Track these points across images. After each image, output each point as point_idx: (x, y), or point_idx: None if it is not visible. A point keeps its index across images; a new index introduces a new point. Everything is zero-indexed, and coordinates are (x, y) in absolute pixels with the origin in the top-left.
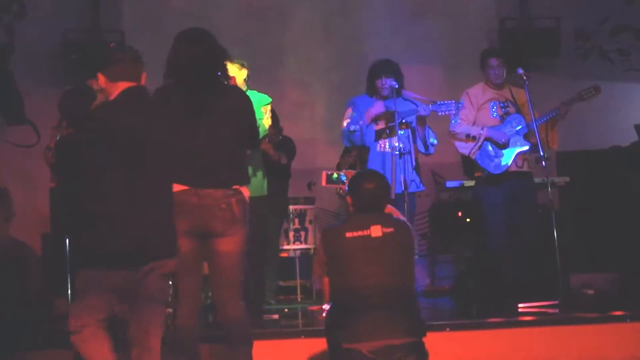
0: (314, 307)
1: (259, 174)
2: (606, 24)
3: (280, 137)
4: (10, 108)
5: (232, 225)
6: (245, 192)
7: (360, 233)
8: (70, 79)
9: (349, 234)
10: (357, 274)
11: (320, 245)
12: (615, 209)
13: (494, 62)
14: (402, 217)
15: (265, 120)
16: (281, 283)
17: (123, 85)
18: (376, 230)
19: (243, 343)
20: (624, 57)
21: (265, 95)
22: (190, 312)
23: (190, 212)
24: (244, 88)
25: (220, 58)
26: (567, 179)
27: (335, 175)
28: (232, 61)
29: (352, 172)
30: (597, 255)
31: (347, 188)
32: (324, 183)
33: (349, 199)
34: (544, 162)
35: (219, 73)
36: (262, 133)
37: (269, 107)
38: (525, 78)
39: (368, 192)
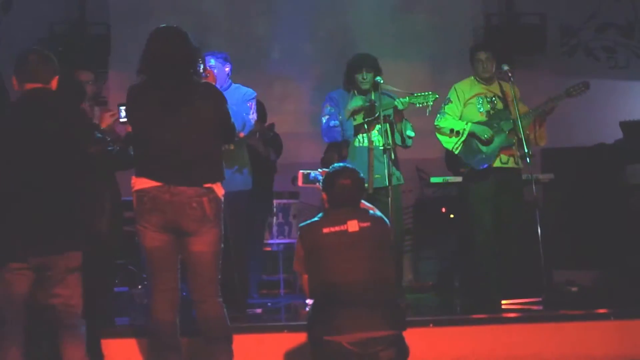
0: (297, 302)
1: (245, 170)
2: (592, 21)
3: (272, 134)
4: None
5: (204, 224)
6: (219, 190)
7: (337, 228)
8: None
9: (326, 230)
10: (335, 269)
11: (299, 241)
12: (599, 206)
13: (482, 55)
14: (378, 212)
15: (251, 116)
16: (264, 277)
17: (28, 87)
18: (353, 225)
19: (222, 340)
20: (609, 54)
21: (250, 90)
22: (166, 307)
23: (162, 208)
24: (227, 82)
25: (192, 56)
26: (552, 175)
27: (312, 174)
28: (214, 55)
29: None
30: (581, 253)
31: (321, 187)
32: (300, 183)
33: (324, 196)
34: (528, 159)
35: (192, 71)
36: (248, 128)
37: (254, 102)
38: (510, 74)
39: (343, 187)
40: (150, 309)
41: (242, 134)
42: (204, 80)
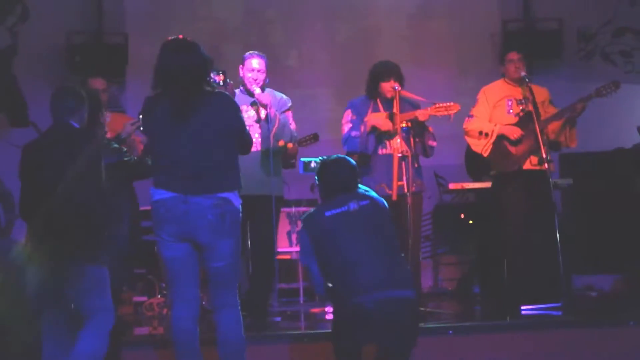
0: (316, 310)
1: (278, 177)
2: (609, 25)
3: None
4: (14, 110)
5: (219, 236)
6: (236, 199)
7: (338, 210)
8: (74, 82)
9: (328, 213)
10: (344, 244)
11: (303, 232)
12: (618, 211)
13: (514, 56)
14: (373, 193)
15: (293, 126)
16: (283, 285)
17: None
18: (353, 205)
19: (237, 352)
20: (627, 59)
21: (285, 97)
22: (187, 316)
23: (178, 219)
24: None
25: (203, 66)
26: (570, 180)
27: (313, 164)
28: (261, 56)
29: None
30: (601, 258)
31: (316, 178)
32: (301, 171)
33: (319, 186)
34: (546, 164)
35: (203, 81)
36: (293, 139)
37: (291, 111)
38: (527, 80)
39: (338, 174)
40: (170, 318)
41: (290, 145)
42: (218, 90)
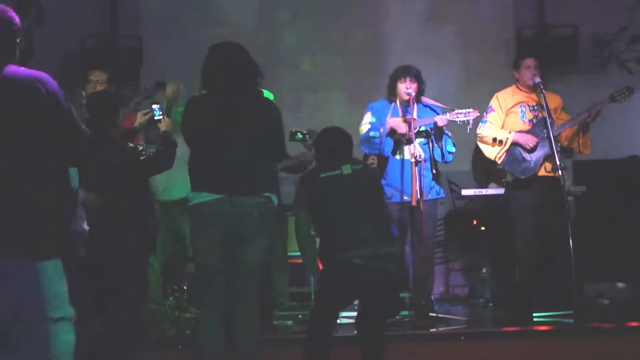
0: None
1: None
2: (624, 32)
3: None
4: None
5: (260, 233)
6: (275, 200)
7: (332, 173)
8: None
9: (323, 175)
10: (335, 203)
11: (300, 187)
12: (632, 219)
13: (531, 62)
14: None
15: None
16: (295, 289)
17: None
18: (347, 169)
19: (254, 352)
20: None
21: (266, 91)
22: (215, 323)
23: (224, 221)
24: None
25: (253, 69)
26: (584, 188)
27: (299, 134)
28: None
29: (314, 130)
30: (613, 265)
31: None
32: (288, 139)
33: (316, 151)
34: (560, 172)
35: (253, 83)
36: None
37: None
38: (542, 87)
39: (335, 141)
40: (200, 322)
41: None
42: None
